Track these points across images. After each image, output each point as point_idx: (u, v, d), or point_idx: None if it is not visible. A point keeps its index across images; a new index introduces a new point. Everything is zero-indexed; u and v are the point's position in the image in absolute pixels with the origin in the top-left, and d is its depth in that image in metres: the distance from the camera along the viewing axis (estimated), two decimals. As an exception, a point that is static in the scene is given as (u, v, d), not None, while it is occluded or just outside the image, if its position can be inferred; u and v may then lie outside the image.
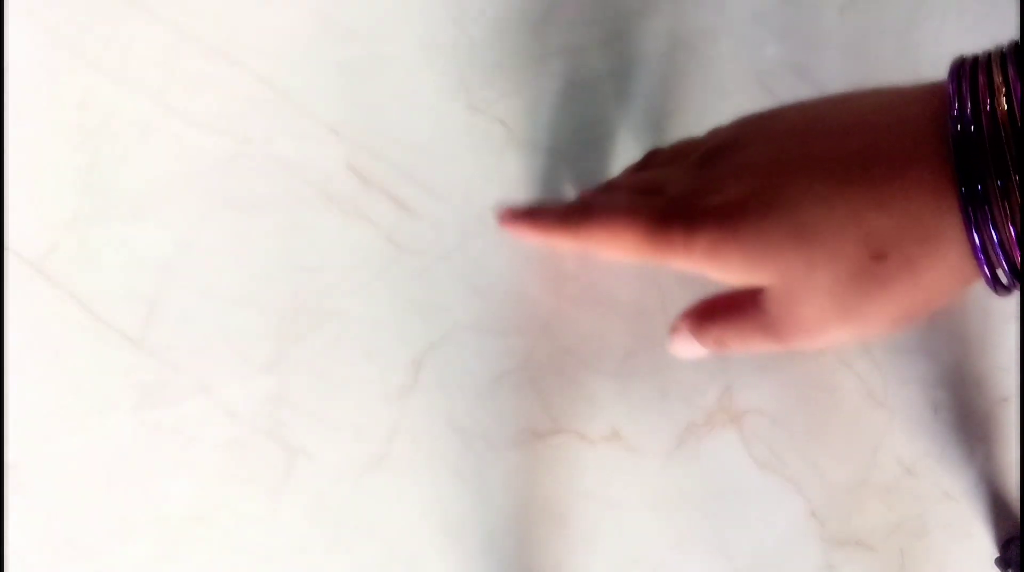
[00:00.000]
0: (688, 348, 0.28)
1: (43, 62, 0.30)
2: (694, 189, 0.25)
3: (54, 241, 0.30)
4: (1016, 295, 0.21)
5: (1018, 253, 0.19)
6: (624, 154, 0.33)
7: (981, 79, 0.19)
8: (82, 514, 0.29)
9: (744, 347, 0.26)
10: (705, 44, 0.34)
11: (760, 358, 0.29)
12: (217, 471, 0.30)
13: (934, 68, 0.34)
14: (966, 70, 0.20)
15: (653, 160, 0.30)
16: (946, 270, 0.21)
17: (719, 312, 0.27)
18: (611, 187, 0.30)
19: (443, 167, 0.32)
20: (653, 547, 0.31)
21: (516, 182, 0.32)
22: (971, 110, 0.19)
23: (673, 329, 0.28)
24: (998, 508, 0.33)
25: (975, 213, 0.19)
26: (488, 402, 0.31)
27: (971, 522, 0.33)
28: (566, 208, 0.28)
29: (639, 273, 0.32)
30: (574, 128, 0.33)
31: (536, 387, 0.31)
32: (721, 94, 0.34)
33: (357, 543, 0.30)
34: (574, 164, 0.33)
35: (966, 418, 0.33)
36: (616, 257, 0.27)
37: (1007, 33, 0.35)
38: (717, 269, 0.24)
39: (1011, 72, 0.19)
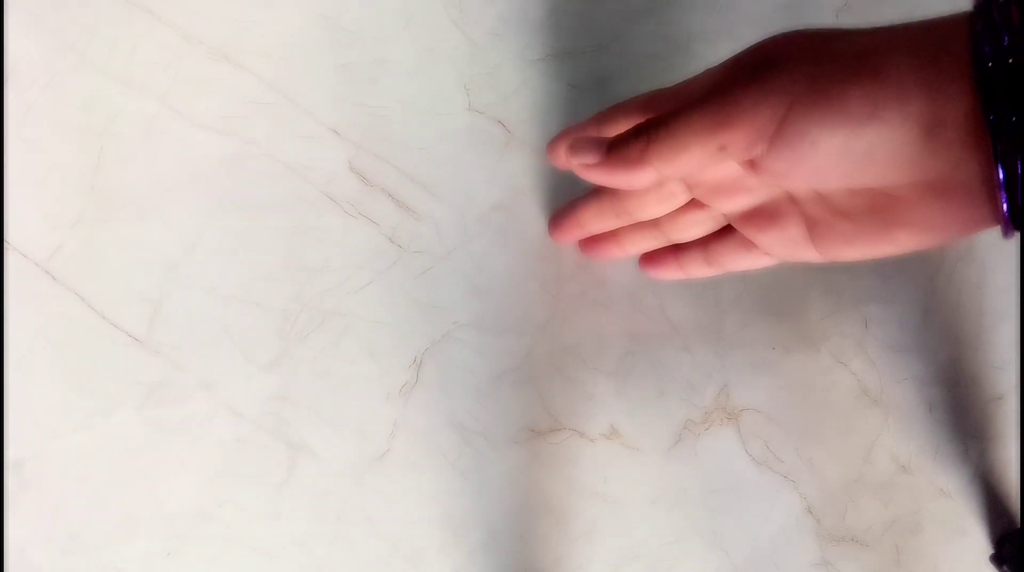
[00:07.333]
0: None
1: (48, 64, 0.31)
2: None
3: (59, 241, 0.30)
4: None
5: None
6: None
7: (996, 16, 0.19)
8: (87, 511, 0.29)
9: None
10: (703, 47, 0.34)
11: (757, 358, 0.29)
12: (221, 469, 0.30)
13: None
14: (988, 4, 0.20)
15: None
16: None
17: None
18: None
19: (444, 168, 0.32)
20: (651, 543, 0.31)
21: (516, 182, 0.33)
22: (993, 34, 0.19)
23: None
24: (993, 505, 0.33)
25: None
26: (488, 400, 0.31)
27: (966, 519, 0.33)
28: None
29: (637, 274, 0.32)
30: (573, 130, 0.33)
31: (536, 385, 0.32)
32: (718, 96, 0.34)
33: (359, 539, 0.30)
34: (573, 165, 0.33)
35: (960, 416, 0.33)
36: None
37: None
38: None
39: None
